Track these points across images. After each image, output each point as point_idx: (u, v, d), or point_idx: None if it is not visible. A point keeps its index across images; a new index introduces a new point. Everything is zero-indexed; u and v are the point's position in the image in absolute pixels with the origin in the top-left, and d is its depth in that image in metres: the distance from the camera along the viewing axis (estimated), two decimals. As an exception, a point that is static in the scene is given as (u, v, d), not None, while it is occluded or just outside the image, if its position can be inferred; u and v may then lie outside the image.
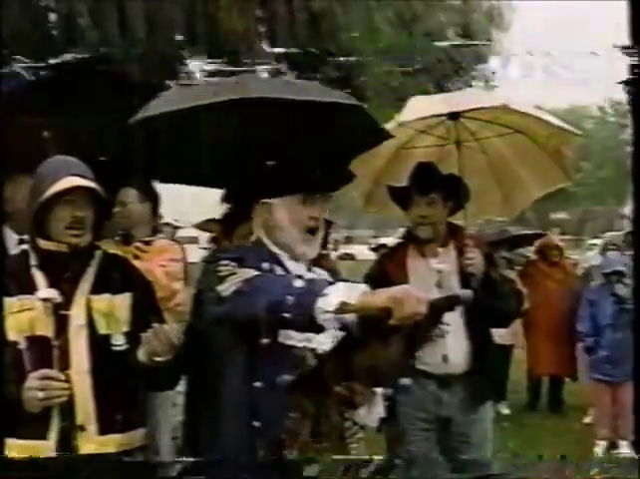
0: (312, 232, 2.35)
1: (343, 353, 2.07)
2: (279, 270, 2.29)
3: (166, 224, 5.03)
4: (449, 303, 2.18)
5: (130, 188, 3.74)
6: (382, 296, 1.95)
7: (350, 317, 1.96)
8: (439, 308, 2.08)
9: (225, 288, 2.12)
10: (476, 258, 3.20)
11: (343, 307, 1.94)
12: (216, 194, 3.56)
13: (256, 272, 2.16)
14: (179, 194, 3.96)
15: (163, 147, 2.66)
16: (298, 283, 2.08)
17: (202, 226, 5.34)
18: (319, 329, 2.00)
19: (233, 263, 2.19)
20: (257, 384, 2.18)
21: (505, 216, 4.24)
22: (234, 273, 2.15)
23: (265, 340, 2.16)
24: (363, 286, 2.01)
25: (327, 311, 1.94)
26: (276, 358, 2.18)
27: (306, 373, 2.15)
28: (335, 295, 1.95)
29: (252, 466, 2.19)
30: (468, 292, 2.21)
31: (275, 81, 2.93)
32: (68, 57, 3.17)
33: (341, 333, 2.04)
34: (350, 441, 2.31)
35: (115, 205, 3.72)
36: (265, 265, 2.24)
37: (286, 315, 1.99)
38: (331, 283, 2.05)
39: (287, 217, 2.32)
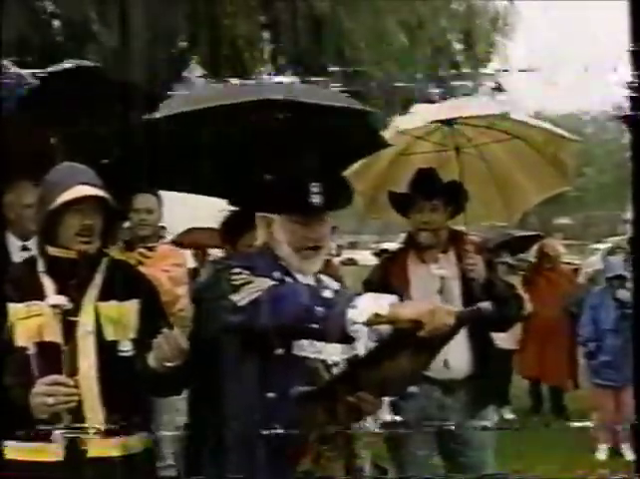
0: (313, 249, 2.33)
1: (364, 366, 2.08)
2: (289, 280, 2.28)
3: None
4: (471, 316, 2.20)
5: (151, 195, 3.76)
6: (414, 308, 1.97)
7: (381, 329, 1.98)
8: (462, 321, 2.10)
9: (241, 298, 2.11)
10: (476, 264, 3.22)
11: (374, 319, 1.95)
12: (203, 199, 3.56)
13: (272, 282, 2.15)
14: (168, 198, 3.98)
15: (170, 152, 2.65)
16: (327, 294, 2.09)
17: (181, 238, 5.19)
18: (348, 340, 2.01)
19: (246, 272, 2.19)
20: (269, 394, 2.18)
21: (505, 221, 4.26)
22: (249, 282, 2.14)
23: (279, 351, 2.17)
24: (392, 298, 2.02)
25: (358, 323, 1.95)
26: (288, 369, 2.19)
27: (319, 384, 2.16)
28: (366, 307, 1.96)
29: (260, 472, 2.20)
30: (488, 304, 2.23)
31: (289, 84, 2.91)
32: (70, 63, 3.19)
33: (356, 345, 2.06)
34: (357, 447, 2.33)
35: (134, 211, 3.75)
36: (277, 274, 2.24)
37: (314, 326, 1.99)
38: (359, 294, 2.06)
39: (284, 235, 2.29)
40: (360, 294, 2.06)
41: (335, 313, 1.98)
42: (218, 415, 2.26)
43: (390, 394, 2.31)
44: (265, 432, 2.16)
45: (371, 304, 1.97)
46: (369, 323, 1.95)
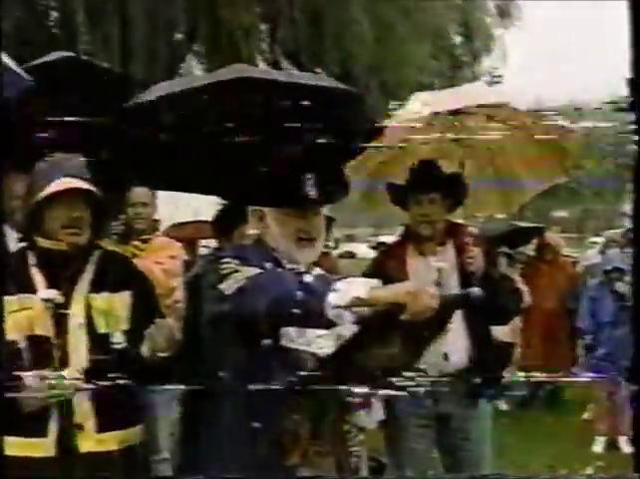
0: (307, 240, 2.31)
1: (347, 354, 2.06)
2: (279, 270, 2.26)
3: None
4: (459, 301, 2.16)
5: (145, 188, 3.75)
6: (395, 290, 1.94)
7: (361, 313, 1.94)
8: (449, 305, 2.07)
9: (228, 286, 2.10)
10: (474, 257, 3.20)
11: (355, 302, 1.92)
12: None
13: (259, 270, 2.14)
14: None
15: (154, 150, 2.62)
16: (307, 279, 2.07)
17: (169, 232, 5.19)
18: (329, 325, 1.98)
19: (235, 261, 2.18)
20: (257, 386, 2.17)
21: (504, 212, 4.24)
22: (236, 271, 2.13)
23: (266, 341, 2.15)
24: (374, 281, 1.99)
25: (338, 307, 1.92)
26: (277, 360, 2.17)
27: (307, 375, 2.14)
28: (346, 290, 1.94)
29: (251, 467, 2.19)
30: (477, 290, 2.20)
31: (272, 70, 2.91)
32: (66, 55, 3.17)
33: (343, 335, 2.03)
34: (350, 444, 2.31)
35: (129, 205, 3.73)
36: (268, 265, 2.22)
37: (295, 311, 1.97)
38: (339, 279, 2.03)
39: (277, 227, 2.28)
40: (344, 279, 2.03)
41: (315, 298, 1.95)
42: (210, 408, 2.25)
43: (381, 385, 2.28)
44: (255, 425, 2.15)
45: (351, 288, 1.94)
46: (349, 307, 1.92)
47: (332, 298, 1.93)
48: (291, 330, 2.16)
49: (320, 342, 2.17)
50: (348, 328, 1.99)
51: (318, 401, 2.15)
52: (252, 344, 2.15)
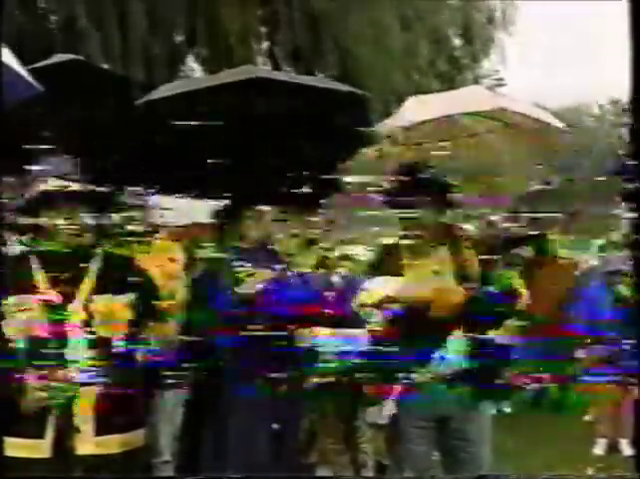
0: (308, 241, 2.33)
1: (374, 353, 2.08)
2: (290, 272, 2.27)
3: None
4: (482, 299, 2.18)
5: (144, 190, 3.75)
6: (422, 288, 1.97)
7: (391, 310, 1.97)
8: (472, 303, 2.10)
9: (246, 289, 2.11)
10: (470, 258, 3.20)
11: (384, 301, 1.95)
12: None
13: (274, 273, 2.15)
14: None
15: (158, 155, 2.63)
16: (334, 280, 2.09)
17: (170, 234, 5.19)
18: (360, 324, 2.01)
19: (248, 264, 2.18)
20: (274, 387, 2.17)
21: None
22: (252, 274, 2.14)
23: (282, 342, 2.16)
24: (400, 279, 2.02)
25: (369, 305, 1.95)
26: (293, 360, 2.18)
27: (326, 376, 2.16)
28: (375, 289, 1.96)
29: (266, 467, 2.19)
30: (490, 290, 2.24)
31: (280, 72, 2.93)
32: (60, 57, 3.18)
33: (355, 333, 2.06)
34: (361, 441, 2.32)
35: (128, 207, 3.74)
36: (277, 267, 2.23)
37: (325, 311, 2.00)
38: (367, 279, 2.06)
39: (277, 228, 2.29)
40: (371, 279, 2.06)
41: (345, 297, 1.98)
42: (219, 410, 2.25)
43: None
44: (274, 426, 2.16)
45: (379, 287, 1.96)
46: (379, 305, 1.95)
47: (362, 297, 1.96)
48: (305, 331, 2.18)
49: (335, 340, 2.19)
50: (361, 329, 2.02)
51: (335, 399, 2.16)
52: (267, 346, 2.16)
